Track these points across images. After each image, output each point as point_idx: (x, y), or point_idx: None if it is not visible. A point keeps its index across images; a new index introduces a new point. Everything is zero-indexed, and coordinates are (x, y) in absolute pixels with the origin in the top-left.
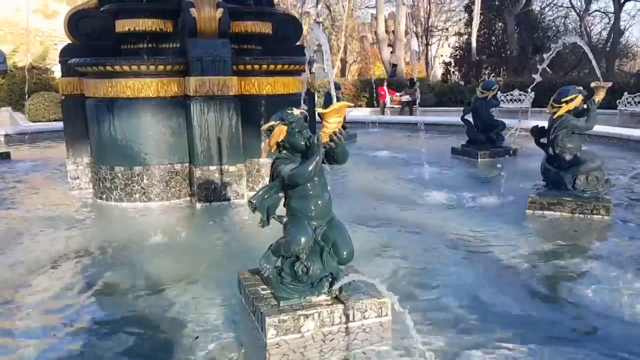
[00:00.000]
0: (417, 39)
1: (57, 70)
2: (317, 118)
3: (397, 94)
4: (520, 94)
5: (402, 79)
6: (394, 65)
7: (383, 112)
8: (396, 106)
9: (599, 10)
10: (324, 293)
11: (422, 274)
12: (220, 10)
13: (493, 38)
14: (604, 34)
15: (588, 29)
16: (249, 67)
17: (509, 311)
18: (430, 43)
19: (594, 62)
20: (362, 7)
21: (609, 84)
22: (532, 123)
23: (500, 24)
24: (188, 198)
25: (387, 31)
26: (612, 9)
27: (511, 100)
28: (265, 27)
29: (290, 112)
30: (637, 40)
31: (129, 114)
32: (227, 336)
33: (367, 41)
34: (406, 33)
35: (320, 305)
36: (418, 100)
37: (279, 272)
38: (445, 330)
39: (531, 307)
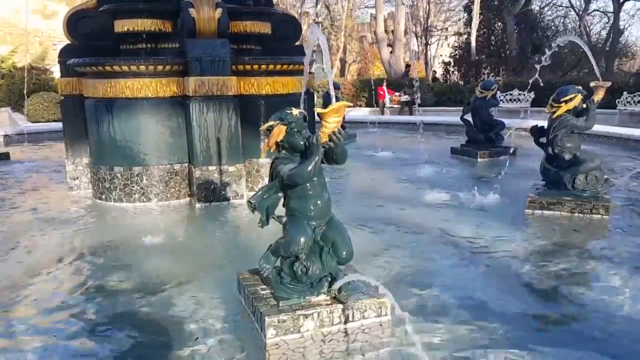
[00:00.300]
0: (417, 38)
1: (56, 71)
2: (317, 118)
3: (397, 93)
4: (519, 94)
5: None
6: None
7: (382, 112)
8: (395, 106)
9: (598, 10)
10: (324, 293)
11: (421, 274)
12: (219, 10)
13: (492, 38)
14: (604, 33)
15: (587, 28)
16: (248, 67)
17: (509, 311)
18: (429, 43)
19: (593, 62)
20: (362, 7)
21: (608, 84)
22: (531, 123)
23: (499, 23)
24: (187, 198)
25: (386, 31)
26: (611, 9)
27: (510, 100)
28: (265, 27)
29: (289, 112)
30: (636, 40)
31: (128, 114)
32: (227, 336)
33: (367, 41)
34: (405, 33)
35: (320, 305)
36: (418, 101)
37: (279, 272)
38: (444, 330)
39: (531, 307)
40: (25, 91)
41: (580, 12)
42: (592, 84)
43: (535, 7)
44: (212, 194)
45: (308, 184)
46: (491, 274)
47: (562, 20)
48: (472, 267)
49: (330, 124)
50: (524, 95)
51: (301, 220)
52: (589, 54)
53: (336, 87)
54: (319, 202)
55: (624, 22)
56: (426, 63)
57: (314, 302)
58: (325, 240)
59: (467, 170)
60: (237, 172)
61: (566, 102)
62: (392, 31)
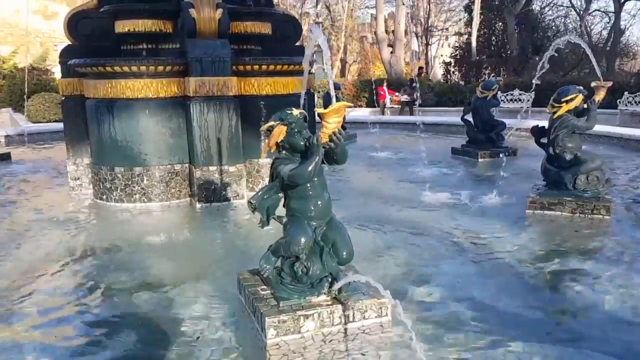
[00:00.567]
0: (417, 39)
1: (57, 71)
2: (317, 118)
3: (397, 94)
4: (520, 94)
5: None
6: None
7: (383, 112)
8: (396, 106)
9: (599, 10)
10: (324, 293)
11: (422, 274)
12: (220, 10)
13: (493, 38)
14: (604, 33)
15: (588, 28)
16: (248, 67)
17: (509, 311)
18: (430, 43)
19: (594, 62)
20: (362, 7)
21: (609, 84)
22: (532, 123)
23: (500, 23)
24: (188, 198)
25: (386, 31)
26: (612, 9)
27: (511, 100)
28: (265, 28)
29: (289, 112)
30: (637, 40)
31: (129, 115)
32: (227, 337)
33: (367, 41)
34: (406, 33)
35: (320, 306)
36: (418, 101)
37: (279, 273)
38: (445, 330)
39: (531, 307)
40: (26, 92)
41: (581, 12)
42: (593, 84)
43: (536, 7)
44: (212, 194)
45: (308, 184)
46: (492, 274)
47: (562, 20)
48: (472, 267)
49: (331, 124)
50: (525, 94)
51: (301, 220)
52: (590, 54)
53: (336, 87)
54: (319, 202)
55: (625, 22)
56: (426, 63)
57: (315, 303)
58: (326, 241)
59: (467, 170)
60: (238, 172)
61: (567, 102)
62: (393, 31)
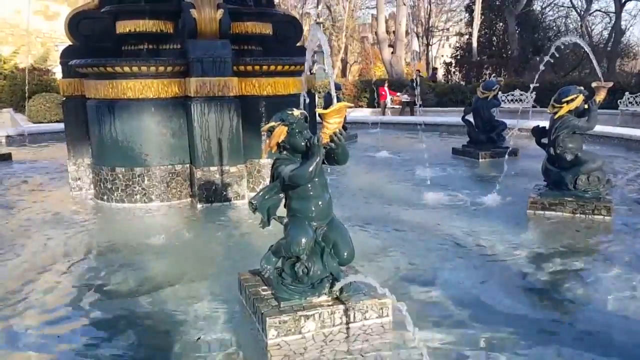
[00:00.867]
0: (418, 39)
1: (58, 72)
2: (318, 119)
3: (398, 93)
4: (521, 94)
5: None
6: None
7: (384, 113)
8: (397, 106)
9: (600, 10)
10: (325, 294)
11: (423, 275)
12: (221, 11)
13: (494, 38)
14: (605, 33)
15: (589, 28)
16: (249, 67)
17: (510, 311)
18: (431, 43)
19: (594, 62)
20: (363, 7)
21: (610, 84)
22: (533, 123)
23: (501, 24)
24: (189, 199)
25: (387, 31)
26: (613, 9)
27: (512, 100)
28: (266, 28)
29: (290, 112)
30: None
31: (130, 115)
32: (228, 337)
33: (368, 42)
34: (407, 33)
35: (321, 306)
36: (419, 102)
37: (280, 273)
38: (446, 330)
39: (532, 307)
40: (26, 92)
41: (582, 13)
42: (593, 85)
43: (536, 7)
44: (213, 194)
45: (309, 185)
46: (492, 274)
47: (563, 20)
48: (473, 267)
49: (332, 124)
50: (525, 95)
51: (302, 220)
52: (591, 54)
53: (337, 87)
54: (320, 202)
55: (625, 22)
56: (427, 64)
57: (315, 303)
58: (327, 241)
59: (468, 170)
60: (239, 172)
61: (568, 102)
62: (394, 32)
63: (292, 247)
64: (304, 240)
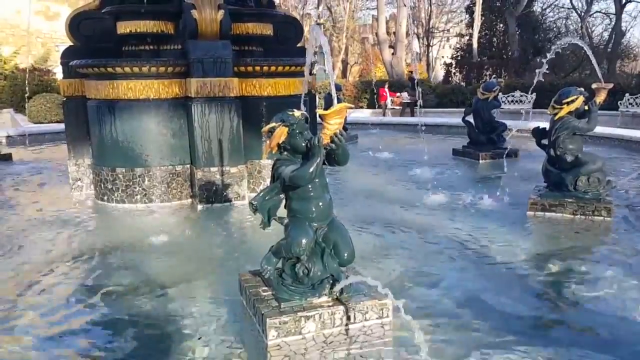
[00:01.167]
0: (418, 40)
1: (58, 72)
2: (319, 119)
3: (398, 94)
4: (521, 95)
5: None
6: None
7: (384, 114)
8: (397, 107)
9: (600, 12)
10: (325, 294)
11: (423, 275)
12: (222, 12)
13: (494, 39)
14: (605, 35)
15: (589, 30)
16: (250, 68)
17: (510, 312)
18: (431, 44)
19: (595, 63)
20: (363, 8)
21: (610, 85)
22: (533, 124)
23: (501, 25)
24: (189, 199)
25: (388, 32)
26: (613, 10)
27: (512, 101)
28: (266, 29)
29: (291, 113)
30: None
31: (130, 116)
32: (228, 337)
33: (368, 42)
34: (407, 34)
35: (321, 307)
36: (420, 102)
37: (280, 274)
38: (446, 331)
39: (532, 308)
40: (27, 92)
41: (582, 14)
42: (593, 86)
43: (537, 8)
44: (213, 195)
45: (310, 186)
46: (492, 275)
47: (564, 21)
48: (473, 268)
49: (332, 125)
50: (526, 96)
51: (303, 221)
52: (591, 55)
53: (338, 88)
54: (320, 203)
55: (626, 23)
56: (428, 65)
57: (316, 304)
58: (327, 242)
59: (468, 171)
60: (239, 173)
61: (568, 103)
62: (394, 33)
63: (292, 248)
64: (304, 241)
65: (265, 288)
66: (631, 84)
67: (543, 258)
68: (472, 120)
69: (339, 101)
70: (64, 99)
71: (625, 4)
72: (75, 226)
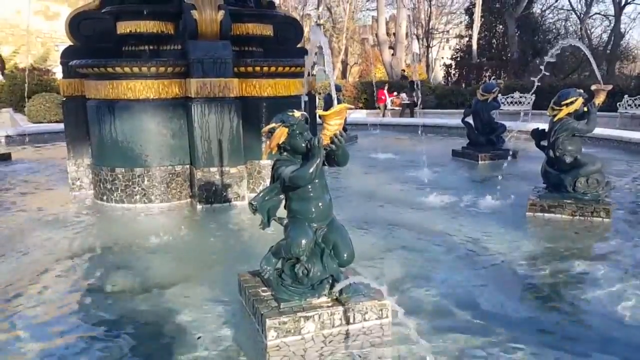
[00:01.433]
0: (418, 41)
1: (58, 72)
2: (318, 120)
3: (395, 93)
4: (521, 96)
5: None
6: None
7: (384, 115)
8: (397, 108)
9: (599, 13)
10: (325, 295)
11: (422, 276)
12: (222, 12)
13: (494, 41)
14: (605, 36)
15: (588, 31)
16: (250, 69)
17: (510, 313)
18: (431, 45)
19: (594, 65)
20: (363, 9)
21: (609, 87)
22: (532, 125)
23: (500, 26)
24: (189, 199)
25: (388, 33)
26: (612, 12)
27: (512, 102)
28: (266, 30)
29: (291, 114)
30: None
31: (130, 116)
32: (228, 338)
33: (368, 43)
34: (407, 35)
35: (321, 307)
36: (419, 102)
37: (280, 274)
38: (445, 332)
39: (532, 309)
40: (26, 92)
41: (582, 15)
42: (593, 87)
43: (536, 10)
44: (213, 195)
45: (309, 186)
46: (492, 276)
47: (563, 23)
48: (472, 269)
49: (332, 126)
50: (525, 97)
51: (302, 222)
52: (590, 57)
53: (337, 89)
54: (320, 204)
55: (625, 25)
56: (427, 66)
57: (315, 304)
58: (327, 242)
59: (468, 172)
60: (239, 173)
61: (567, 105)
62: (394, 33)
63: (292, 248)
64: (304, 241)
65: (265, 288)
66: (630, 85)
67: (542, 259)
68: (471, 122)
69: (338, 102)
70: (64, 98)
71: (624, 5)
72: (74, 226)
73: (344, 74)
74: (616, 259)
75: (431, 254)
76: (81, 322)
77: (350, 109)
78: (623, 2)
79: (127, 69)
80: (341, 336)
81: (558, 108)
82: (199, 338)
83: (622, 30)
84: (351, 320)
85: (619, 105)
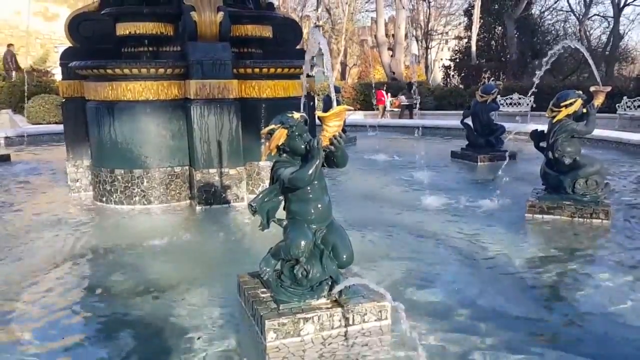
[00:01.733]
0: (417, 42)
1: (57, 73)
2: (318, 121)
3: (388, 94)
4: (520, 98)
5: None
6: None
7: (383, 116)
8: (396, 109)
9: (598, 15)
10: (324, 296)
11: (421, 278)
12: (221, 14)
13: (493, 42)
14: (604, 38)
15: (587, 33)
16: (249, 70)
17: (509, 314)
18: (430, 47)
19: (593, 66)
20: (362, 10)
21: (608, 88)
22: (531, 127)
23: (499, 28)
24: (188, 201)
25: (387, 35)
26: (611, 13)
27: (511, 104)
28: (266, 31)
29: (290, 115)
30: (636, 44)
31: (130, 117)
32: (227, 339)
33: (367, 44)
34: (406, 37)
35: (320, 309)
36: (416, 104)
37: (279, 276)
38: (445, 333)
39: (531, 311)
40: (26, 93)
41: (581, 17)
42: (592, 89)
43: (535, 11)
44: (212, 196)
45: (309, 188)
46: (491, 277)
47: (562, 24)
48: (472, 271)
49: (331, 127)
50: (524, 99)
51: (302, 223)
52: (589, 58)
53: (337, 90)
54: (319, 205)
55: (623, 26)
56: (426, 67)
57: (314, 306)
58: (326, 244)
59: (467, 174)
60: (238, 175)
61: (566, 106)
62: (393, 35)
63: (291, 250)
64: (303, 242)
65: (264, 290)
66: (629, 86)
67: (541, 260)
68: (470, 123)
69: (337, 103)
70: (63, 100)
71: (623, 7)
72: (74, 227)
73: (343, 76)
74: (615, 260)
75: (430, 256)
76: (79, 323)
77: (350, 110)
78: (622, 4)
79: (126, 71)
80: (340, 338)
81: (557, 109)
82: (198, 339)
83: (621, 31)
84: (350, 322)
85: (618, 106)
